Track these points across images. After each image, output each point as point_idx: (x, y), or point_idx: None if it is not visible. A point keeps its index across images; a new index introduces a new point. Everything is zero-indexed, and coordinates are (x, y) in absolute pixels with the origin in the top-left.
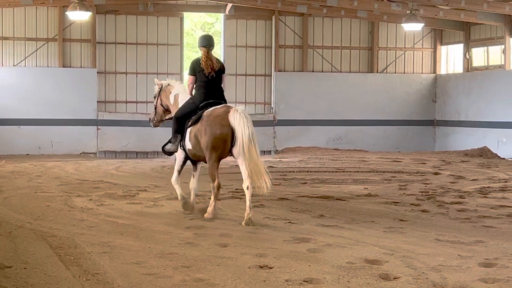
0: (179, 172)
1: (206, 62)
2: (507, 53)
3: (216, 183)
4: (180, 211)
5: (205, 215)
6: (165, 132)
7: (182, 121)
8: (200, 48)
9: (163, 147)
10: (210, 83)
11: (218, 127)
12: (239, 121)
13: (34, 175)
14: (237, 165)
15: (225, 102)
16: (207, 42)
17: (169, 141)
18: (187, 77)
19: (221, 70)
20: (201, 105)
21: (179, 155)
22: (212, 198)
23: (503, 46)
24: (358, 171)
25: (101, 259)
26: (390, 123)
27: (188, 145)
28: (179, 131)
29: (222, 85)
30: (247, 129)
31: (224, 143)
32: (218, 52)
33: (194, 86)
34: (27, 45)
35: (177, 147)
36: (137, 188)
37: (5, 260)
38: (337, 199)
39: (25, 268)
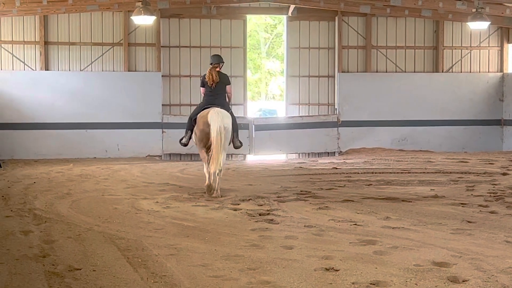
0: (206, 162)
1: (209, 76)
2: None
3: (205, 162)
4: (246, 214)
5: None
6: None
7: (190, 120)
8: (210, 65)
9: (180, 140)
10: (212, 92)
11: (201, 124)
12: (211, 118)
13: (101, 178)
14: (300, 167)
15: (222, 107)
16: (212, 60)
17: (183, 136)
18: (250, 78)
19: (222, 82)
20: (202, 108)
21: (199, 151)
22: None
23: None
24: (424, 172)
25: (168, 261)
26: (456, 123)
27: (194, 138)
28: (188, 128)
29: (226, 94)
30: (216, 124)
31: (206, 136)
32: (281, 53)
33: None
34: (93, 50)
35: (188, 140)
36: (202, 190)
37: (75, 262)
38: (403, 201)
39: (94, 271)
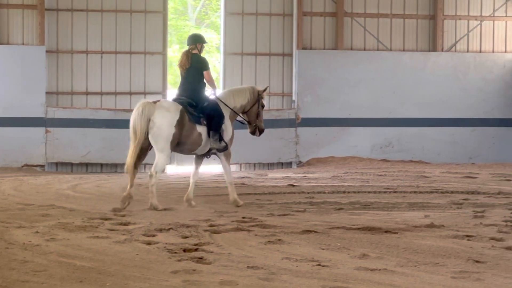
0: (195, 165)
1: (180, 61)
2: None
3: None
4: (165, 249)
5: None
6: None
7: None
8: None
9: None
10: (182, 80)
11: None
12: (133, 112)
13: None
14: (242, 184)
15: (189, 97)
16: (187, 42)
17: None
18: (173, 57)
19: (194, 67)
20: (173, 99)
21: None
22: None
23: None
24: (415, 192)
25: None
26: (460, 123)
27: None
28: None
29: (204, 81)
30: (132, 119)
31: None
32: (217, 21)
33: None
34: None
35: None
36: (102, 215)
37: None
38: (386, 232)
39: None
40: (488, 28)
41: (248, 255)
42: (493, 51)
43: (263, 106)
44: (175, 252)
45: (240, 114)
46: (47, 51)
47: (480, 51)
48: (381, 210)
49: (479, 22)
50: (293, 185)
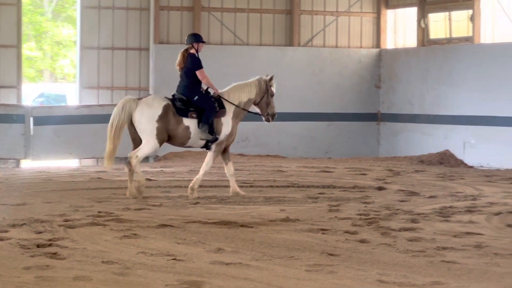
0: (223, 160)
1: (177, 61)
2: (476, 21)
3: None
4: (17, 245)
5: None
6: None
7: None
8: None
9: None
10: (180, 79)
11: None
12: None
13: None
14: (99, 178)
15: (182, 93)
16: (186, 42)
17: None
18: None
19: (187, 66)
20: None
21: None
22: None
23: (470, 11)
24: (271, 186)
25: None
26: (316, 118)
27: None
28: None
29: (200, 81)
30: (112, 114)
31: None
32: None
33: None
34: None
35: None
36: None
37: None
38: (242, 226)
39: None
40: (344, 23)
41: (103, 250)
42: (349, 46)
43: (272, 95)
44: (28, 248)
45: (251, 108)
46: None
47: (336, 46)
48: (237, 205)
49: (335, 17)
50: (150, 179)
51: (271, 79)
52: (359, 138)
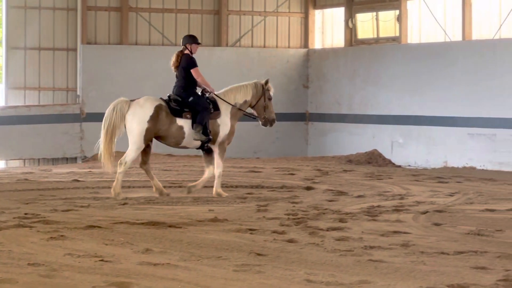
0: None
1: (172, 61)
2: (403, 21)
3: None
4: None
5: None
6: None
7: None
8: None
9: None
10: (176, 79)
11: None
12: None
13: None
14: (26, 180)
15: (177, 94)
16: (181, 42)
17: None
18: None
19: (181, 67)
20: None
21: None
22: None
23: (397, 12)
24: None
25: None
26: (244, 117)
27: None
28: None
29: (194, 79)
30: (104, 118)
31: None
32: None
33: None
34: None
35: None
36: None
37: None
38: (170, 226)
39: None
40: (272, 23)
41: (30, 252)
42: (276, 47)
43: (270, 99)
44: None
45: (247, 110)
46: None
47: (264, 46)
48: (165, 205)
49: (263, 17)
50: (78, 180)
51: (266, 82)
52: (287, 138)
